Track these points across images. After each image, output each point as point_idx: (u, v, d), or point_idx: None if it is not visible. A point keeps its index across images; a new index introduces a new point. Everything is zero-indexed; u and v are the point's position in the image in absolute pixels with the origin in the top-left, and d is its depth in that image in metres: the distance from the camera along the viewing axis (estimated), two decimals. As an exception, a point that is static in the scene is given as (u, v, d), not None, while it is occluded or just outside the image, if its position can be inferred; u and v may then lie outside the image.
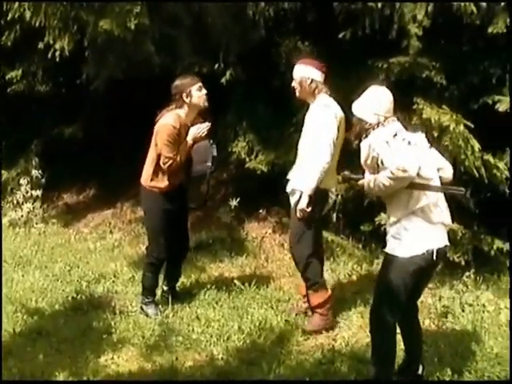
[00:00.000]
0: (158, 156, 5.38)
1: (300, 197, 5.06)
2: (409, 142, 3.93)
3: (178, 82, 5.38)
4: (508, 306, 5.50)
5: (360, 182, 4.15)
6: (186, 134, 5.42)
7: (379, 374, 4.20)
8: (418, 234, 3.95)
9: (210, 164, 5.50)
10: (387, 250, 4.08)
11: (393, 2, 5.81)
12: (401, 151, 3.87)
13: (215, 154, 5.53)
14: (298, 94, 5.26)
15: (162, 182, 5.44)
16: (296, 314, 5.54)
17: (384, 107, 4.07)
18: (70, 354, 4.98)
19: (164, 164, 5.33)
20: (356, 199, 6.43)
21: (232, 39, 6.79)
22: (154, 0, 6.51)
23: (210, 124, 5.49)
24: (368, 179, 4.05)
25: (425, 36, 5.71)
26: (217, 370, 4.71)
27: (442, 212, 4.03)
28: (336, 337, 5.21)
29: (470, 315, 5.43)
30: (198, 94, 5.35)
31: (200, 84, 5.37)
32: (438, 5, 5.70)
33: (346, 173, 4.35)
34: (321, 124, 5.03)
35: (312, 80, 5.15)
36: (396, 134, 3.96)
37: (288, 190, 5.27)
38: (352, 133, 4.24)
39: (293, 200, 5.20)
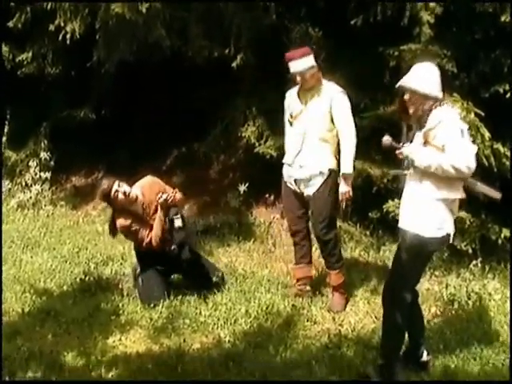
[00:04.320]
0: None
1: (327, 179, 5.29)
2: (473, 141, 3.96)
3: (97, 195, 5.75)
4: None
5: (403, 149, 4.06)
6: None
7: (388, 351, 4.28)
8: (443, 218, 4.02)
9: (174, 246, 5.63)
10: (409, 228, 4.08)
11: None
12: (471, 147, 3.92)
13: (179, 224, 5.62)
14: (307, 85, 5.28)
15: None
16: (302, 298, 5.57)
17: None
18: (78, 335, 5.03)
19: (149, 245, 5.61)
20: (364, 186, 6.44)
21: (243, 24, 6.77)
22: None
23: (172, 193, 5.61)
24: (417, 149, 4.00)
25: (437, 24, 5.69)
26: (224, 352, 4.74)
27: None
28: (342, 322, 5.24)
29: (476, 303, 5.44)
30: (119, 199, 5.53)
31: (115, 190, 5.53)
32: (450, -8, 5.70)
33: (389, 139, 4.16)
34: (349, 108, 5.25)
35: (316, 68, 5.25)
36: (469, 128, 3.97)
37: (306, 175, 5.34)
38: (416, 108, 4.06)
39: (316, 184, 5.30)
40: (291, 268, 5.98)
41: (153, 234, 5.56)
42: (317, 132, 5.25)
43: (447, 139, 3.88)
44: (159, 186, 5.74)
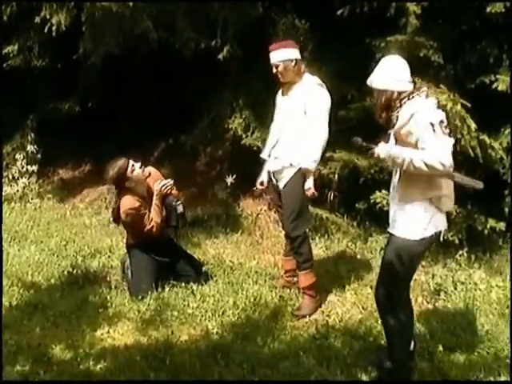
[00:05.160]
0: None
1: (294, 173, 5.15)
2: (449, 133, 3.83)
3: (111, 174, 5.59)
4: (499, 284, 5.60)
5: (375, 150, 3.93)
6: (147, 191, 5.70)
7: (402, 355, 4.21)
8: (429, 218, 3.92)
9: (174, 224, 5.76)
10: (395, 232, 4.01)
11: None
12: (444, 142, 3.74)
13: (181, 210, 5.74)
14: (283, 78, 5.23)
15: None
16: (290, 289, 5.58)
17: (407, 73, 3.94)
18: (66, 328, 5.02)
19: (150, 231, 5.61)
20: (351, 177, 6.46)
21: (230, 16, 6.76)
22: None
23: (172, 181, 5.72)
24: (388, 148, 3.88)
25: (423, 15, 5.70)
26: (212, 344, 4.74)
27: (450, 201, 4.03)
28: (330, 313, 5.26)
29: (462, 293, 5.48)
30: (135, 174, 5.55)
31: (131, 164, 5.55)
32: (436, -17, 5.71)
33: (359, 139, 4.08)
34: (324, 103, 5.12)
35: (296, 61, 5.17)
36: (442, 121, 3.78)
37: (278, 167, 5.28)
38: (377, 105, 4.00)
39: (286, 177, 5.22)
40: (280, 259, 5.99)
41: (153, 221, 5.58)
42: (293, 125, 5.18)
43: (418, 135, 3.76)
44: (159, 177, 5.79)
